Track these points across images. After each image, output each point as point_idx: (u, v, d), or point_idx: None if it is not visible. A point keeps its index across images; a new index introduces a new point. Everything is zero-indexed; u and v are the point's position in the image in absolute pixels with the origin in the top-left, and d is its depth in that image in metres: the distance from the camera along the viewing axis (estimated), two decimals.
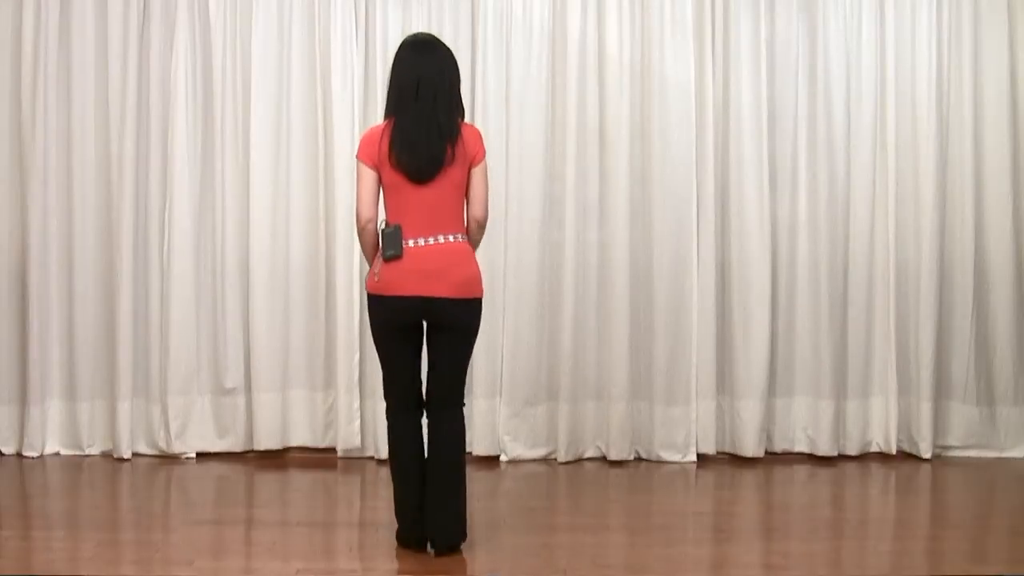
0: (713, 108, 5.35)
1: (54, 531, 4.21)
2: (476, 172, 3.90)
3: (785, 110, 5.42)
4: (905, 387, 5.46)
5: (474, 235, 3.99)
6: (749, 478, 5.17)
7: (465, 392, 4.06)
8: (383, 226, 3.87)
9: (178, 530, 4.24)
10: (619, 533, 4.37)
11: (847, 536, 4.34)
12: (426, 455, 3.97)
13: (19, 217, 5.29)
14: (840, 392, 5.45)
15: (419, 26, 5.30)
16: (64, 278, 5.31)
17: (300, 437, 5.38)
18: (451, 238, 3.88)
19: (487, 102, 5.31)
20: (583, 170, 5.36)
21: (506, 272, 5.35)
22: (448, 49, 3.96)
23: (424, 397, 4.01)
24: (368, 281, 3.92)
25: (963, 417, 5.51)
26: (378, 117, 5.29)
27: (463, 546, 3.99)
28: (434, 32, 5.30)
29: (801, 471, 5.30)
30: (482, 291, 3.97)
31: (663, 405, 5.37)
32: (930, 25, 5.39)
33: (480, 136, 3.94)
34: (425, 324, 3.94)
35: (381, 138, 3.85)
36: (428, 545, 3.96)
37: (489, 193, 3.97)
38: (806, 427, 5.45)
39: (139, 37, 5.27)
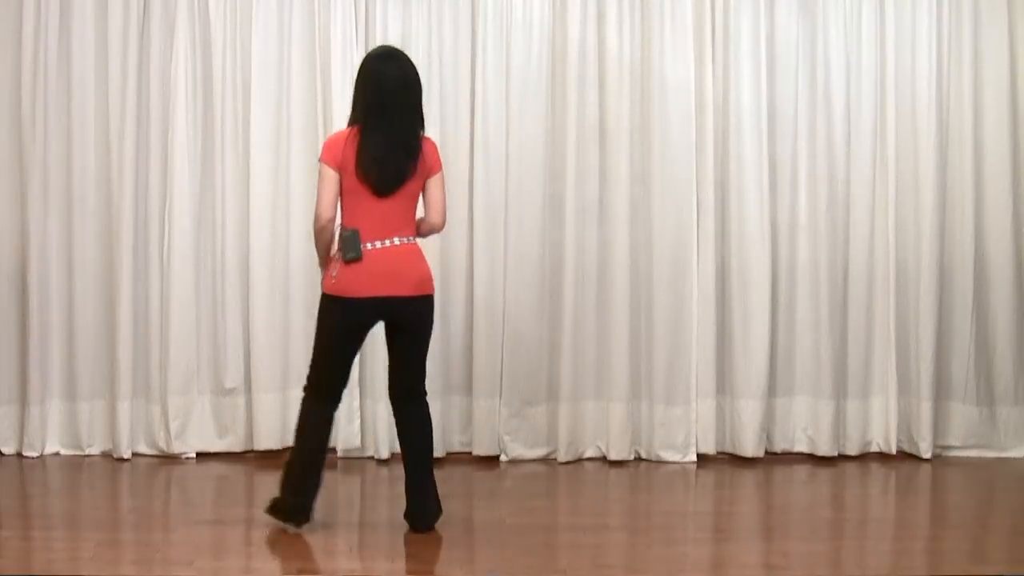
0: (713, 108, 5.35)
1: (54, 531, 4.21)
2: (433, 183, 4.13)
3: (785, 110, 5.42)
4: (905, 387, 5.46)
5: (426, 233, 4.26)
6: (749, 478, 5.18)
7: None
8: (340, 229, 4.04)
9: (178, 530, 4.24)
10: (619, 533, 4.37)
11: (847, 536, 4.35)
12: (401, 445, 4.26)
13: (19, 217, 5.29)
14: (840, 392, 5.45)
15: (419, 26, 5.30)
16: (64, 278, 5.31)
17: None
18: (405, 240, 4.09)
19: (487, 102, 5.31)
20: (583, 170, 5.36)
21: (506, 272, 5.35)
22: (411, 62, 4.16)
23: (340, 396, 4.23)
24: (325, 283, 4.09)
25: (963, 417, 5.51)
26: None
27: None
28: (434, 32, 5.32)
29: (801, 471, 5.30)
30: (434, 288, 4.21)
31: (663, 405, 5.37)
32: (930, 25, 5.39)
33: (437, 149, 4.19)
34: (384, 324, 4.14)
35: (346, 144, 4.02)
36: (411, 522, 4.22)
37: (446, 200, 4.21)
38: (806, 427, 5.45)
39: (139, 37, 5.27)
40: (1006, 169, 5.45)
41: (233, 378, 5.35)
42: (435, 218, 4.17)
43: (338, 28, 5.27)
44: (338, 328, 4.10)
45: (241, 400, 5.37)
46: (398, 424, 4.27)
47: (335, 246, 4.13)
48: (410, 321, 4.14)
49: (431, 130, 5.27)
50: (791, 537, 4.32)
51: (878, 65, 5.41)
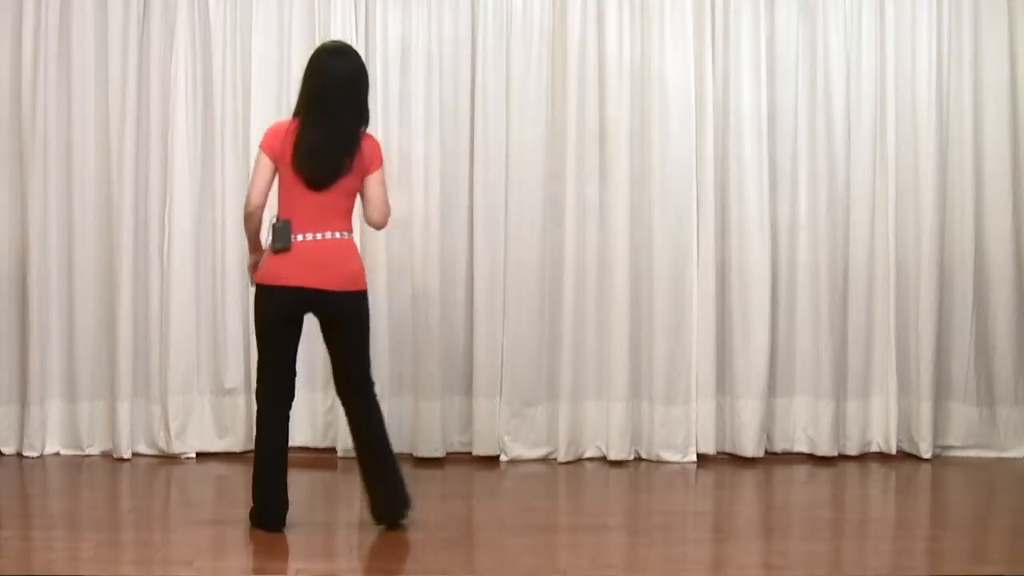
0: (713, 108, 5.35)
1: (54, 531, 4.21)
2: (372, 180, 4.12)
3: (785, 110, 5.42)
4: (905, 387, 5.46)
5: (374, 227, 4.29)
6: (749, 478, 5.18)
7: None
8: (273, 220, 4.06)
9: (178, 530, 4.24)
10: (619, 533, 4.37)
11: (847, 536, 4.35)
12: (354, 440, 4.22)
13: (19, 217, 5.29)
14: (840, 392, 5.45)
15: (419, 26, 5.30)
16: (64, 278, 5.31)
17: (300, 437, 5.36)
18: (337, 234, 4.08)
19: (487, 102, 5.31)
20: (583, 170, 5.36)
21: (506, 272, 5.35)
22: (361, 59, 4.20)
23: (292, 392, 4.21)
24: (255, 273, 4.13)
25: (963, 417, 5.51)
26: (377, 118, 5.29)
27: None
28: (433, 32, 5.32)
29: (801, 471, 5.30)
30: (366, 284, 4.18)
31: (663, 405, 5.37)
32: (930, 25, 5.39)
33: (378, 145, 4.18)
34: (317, 319, 4.12)
35: (286, 135, 4.04)
36: (377, 519, 4.16)
37: (388, 198, 4.19)
38: (806, 427, 5.45)
39: (139, 37, 5.27)
40: (1006, 169, 5.45)
41: (233, 378, 5.34)
42: (374, 216, 4.16)
43: (338, 28, 5.26)
44: (267, 318, 4.10)
45: (241, 400, 5.36)
46: (348, 420, 4.24)
47: (267, 235, 4.13)
48: (340, 317, 4.11)
49: (432, 130, 5.32)
50: (791, 537, 4.32)
51: (878, 65, 5.41)
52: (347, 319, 4.12)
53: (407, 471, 5.15)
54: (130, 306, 5.25)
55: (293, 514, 4.46)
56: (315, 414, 5.38)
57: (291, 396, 4.22)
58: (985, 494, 5.05)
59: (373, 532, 4.29)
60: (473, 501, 4.82)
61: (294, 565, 3.85)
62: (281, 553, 3.99)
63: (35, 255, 5.24)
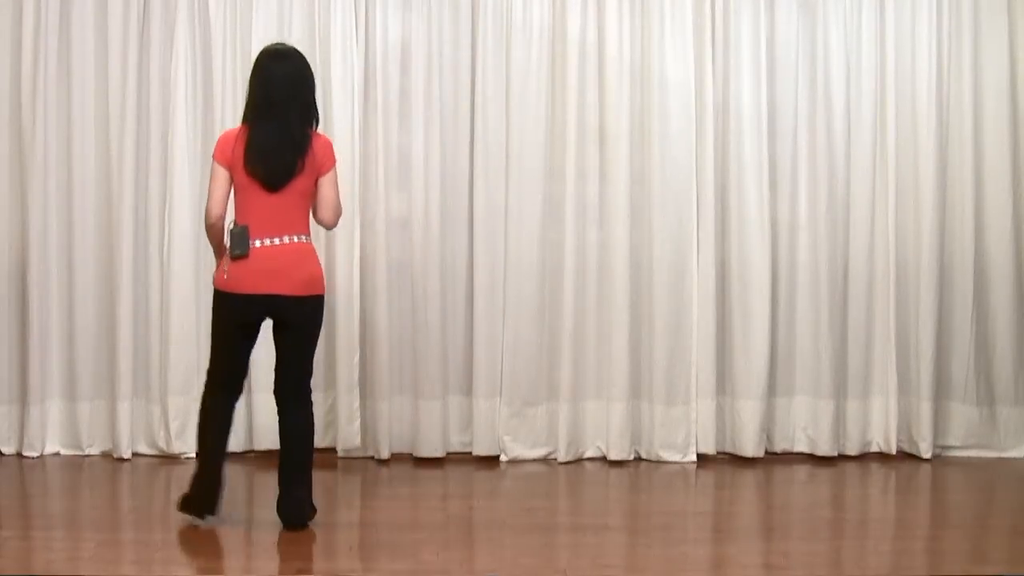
0: (713, 108, 5.35)
1: (54, 531, 4.21)
2: (324, 181, 4.14)
3: (785, 110, 5.42)
4: (905, 387, 5.46)
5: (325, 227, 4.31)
6: (749, 478, 5.18)
7: (312, 387, 4.31)
8: (231, 226, 4.09)
9: (178, 530, 4.24)
10: (619, 533, 4.37)
11: (847, 536, 4.35)
12: (280, 442, 4.23)
13: (19, 217, 5.29)
14: (840, 392, 5.45)
15: (419, 26, 5.30)
16: (64, 278, 5.31)
17: None
18: (295, 238, 4.11)
19: (487, 102, 5.31)
20: (583, 170, 5.36)
21: (506, 272, 5.35)
22: (304, 60, 4.21)
23: (240, 389, 4.30)
24: (217, 278, 4.16)
25: (963, 417, 5.51)
26: (378, 118, 5.31)
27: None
28: (434, 32, 5.32)
29: (801, 471, 5.30)
30: (324, 289, 4.22)
31: (663, 405, 5.37)
32: (930, 25, 5.39)
33: (330, 145, 4.19)
34: (272, 321, 4.16)
35: (236, 141, 4.08)
36: (280, 518, 4.19)
37: (340, 198, 4.20)
38: (806, 427, 5.45)
39: (139, 37, 5.27)
40: (1006, 169, 5.45)
41: None
42: (326, 215, 4.17)
43: (338, 29, 5.26)
44: (225, 324, 4.15)
45: (241, 400, 5.35)
46: (279, 422, 4.26)
47: (227, 241, 4.17)
48: (295, 321, 4.14)
49: (432, 131, 5.32)
50: (791, 537, 4.32)
51: (878, 65, 5.41)
52: (298, 323, 4.15)
53: (407, 471, 5.18)
54: (130, 306, 5.26)
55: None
56: (315, 414, 5.36)
57: (239, 392, 4.31)
58: (985, 494, 5.05)
59: (373, 531, 4.29)
60: (473, 501, 4.82)
61: (294, 565, 3.85)
62: (281, 553, 3.99)
63: (35, 255, 5.24)
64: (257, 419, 5.31)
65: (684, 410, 5.38)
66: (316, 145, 4.12)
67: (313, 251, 4.20)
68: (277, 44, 4.33)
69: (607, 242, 5.36)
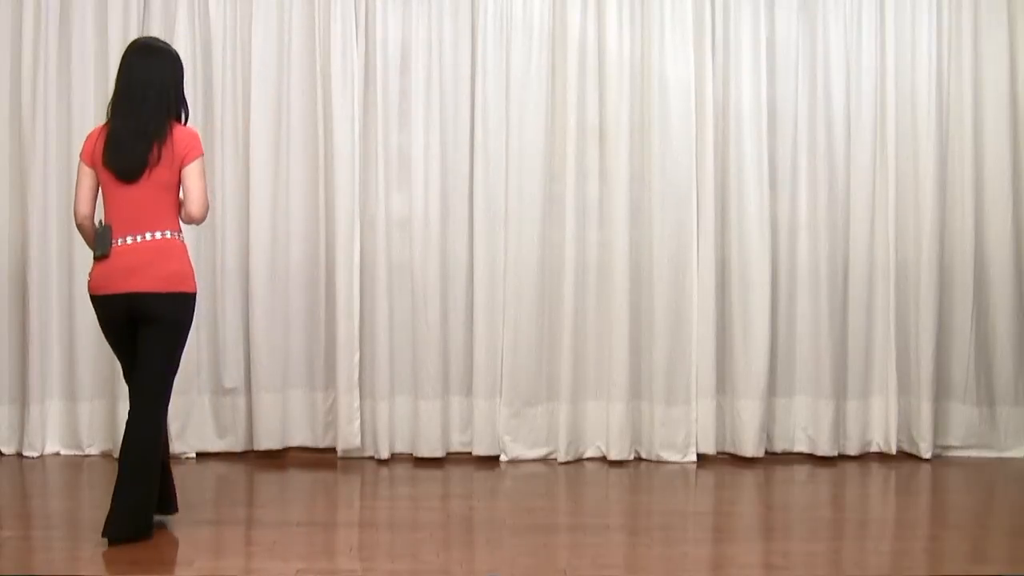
0: (713, 108, 5.36)
1: (54, 531, 4.21)
2: (188, 172, 3.99)
3: (785, 110, 5.42)
4: (905, 387, 5.46)
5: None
6: (749, 478, 5.18)
7: (167, 399, 4.07)
8: (99, 224, 4.03)
9: (178, 530, 4.23)
10: (619, 533, 4.37)
11: (847, 536, 4.34)
12: (122, 444, 4.02)
13: (19, 217, 5.29)
14: (840, 392, 5.45)
15: (419, 26, 5.31)
16: (64, 278, 5.31)
17: (300, 437, 5.38)
18: (157, 235, 3.99)
19: (487, 102, 5.32)
20: (583, 170, 5.36)
21: (506, 272, 5.35)
22: (171, 53, 4.09)
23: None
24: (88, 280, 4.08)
25: (963, 417, 5.51)
26: (377, 118, 5.31)
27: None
28: (434, 32, 5.32)
29: (801, 471, 5.30)
30: (191, 287, 4.03)
31: (663, 405, 5.38)
32: (930, 25, 5.40)
33: (194, 136, 4.02)
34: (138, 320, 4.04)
35: (97, 139, 4.04)
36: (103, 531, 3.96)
37: (206, 191, 4.03)
38: (806, 427, 5.45)
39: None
40: (1006, 169, 5.45)
41: (233, 378, 5.35)
42: (191, 209, 3.99)
43: (338, 28, 5.27)
44: (103, 326, 4.10)
45: (241, 400, 5.37)
46: (127, 421, 4.08)
47: None
48: (153, 317, 3.96)
49: (432, 131, 5.32)
50: (791, 537, 4.32)
51: (878, 65, 5.42)
52: (156, 321, 3.97)
53: (407, 471, 5.18)
54: None
55: (293, 514, 4.46)
56: (315, 414, 5.38)
57: None
58: (985, 494, 5.05)
59: (373, 532, 4.29)
60: (473, 501, 4.82)
61: (294, 565, 3.85)
62: (282, 553, 3.98)
63: (35, 255, 5.25)
64: (257, 419, 5.31)
65: (684, 410, 5.38)
66: (177, 134, 3.98)
67: (178, 247, 4.02)
68: (142, 38, 4.27)
69: (607, 242, 5.36)
